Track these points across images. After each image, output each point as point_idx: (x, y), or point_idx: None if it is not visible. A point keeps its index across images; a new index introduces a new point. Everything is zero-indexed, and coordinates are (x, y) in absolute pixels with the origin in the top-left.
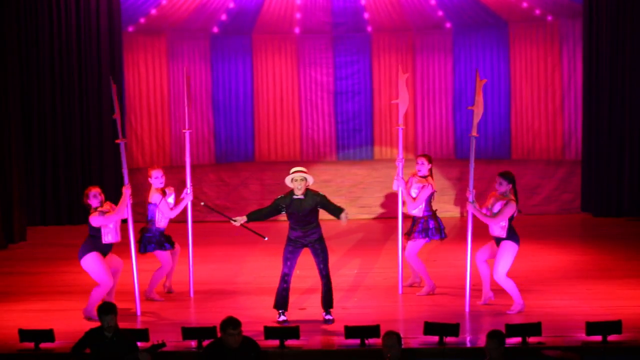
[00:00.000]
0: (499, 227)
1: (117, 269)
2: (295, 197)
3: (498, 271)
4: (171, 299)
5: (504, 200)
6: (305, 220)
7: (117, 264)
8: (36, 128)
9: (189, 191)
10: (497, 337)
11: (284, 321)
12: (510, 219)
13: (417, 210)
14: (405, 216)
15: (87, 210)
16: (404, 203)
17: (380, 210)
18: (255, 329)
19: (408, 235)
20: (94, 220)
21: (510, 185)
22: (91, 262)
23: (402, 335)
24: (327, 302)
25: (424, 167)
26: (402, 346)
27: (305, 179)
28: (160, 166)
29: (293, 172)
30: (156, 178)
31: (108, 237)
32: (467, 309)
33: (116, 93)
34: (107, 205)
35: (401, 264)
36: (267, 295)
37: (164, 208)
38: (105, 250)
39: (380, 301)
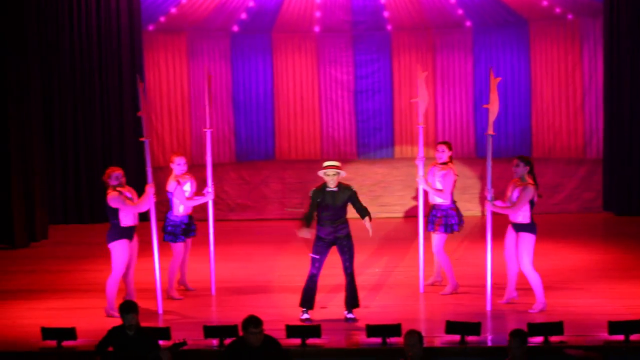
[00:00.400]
0: (521, 214)
1: (132, 262)
2: (328, 189)
3: (524, 264)
4: (193, 297)
5: (521, 186)
6: (338, 214)
7: (135, 255)
8: (57, 127)
9: (210, 190)
10: (519, 336)
11: (306, 319)
12: (532, 205)
13: (443, 200)
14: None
15: (104, 189)
16: (425, 203)
17: (400, 209)
18: (277, 327)
19: (432, 223)
20: (113, 200)
21: (528, 167)
22: (119, 249)
23: (423, 335)
24: (352, 301)
25: (444, 154)
26: (424, 345)
27: (339, 173)
28: (182, 154)
29: (326, 167)
30: (178, 165)
31: (127, 220)
32: (488, 308)
33: (143, 91)
34: (126, 189)
35: (422, 262)
36: (289, 294)
37: (179, 195)
38: (130, 234)
39: (401, 300)
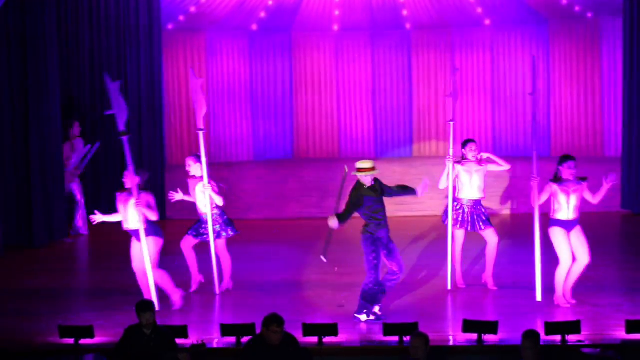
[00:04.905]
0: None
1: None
2: (367, 186)
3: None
4: (210, 295)
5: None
6: (384, 207)
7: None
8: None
9: (207, 184)
10: (532, 336)
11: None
12: None
13: (481, 193)
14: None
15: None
16: (455, 199)
17: (418, 207)
18: (293, 326)
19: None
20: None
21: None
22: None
23: (443, 333)
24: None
25: (477, 152)
26: (441, 344)
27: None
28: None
29: (360, 169)
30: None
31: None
32: (538, 299)
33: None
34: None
35: (451, 259)
36: (306, 292)
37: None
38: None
39: (421, 298)
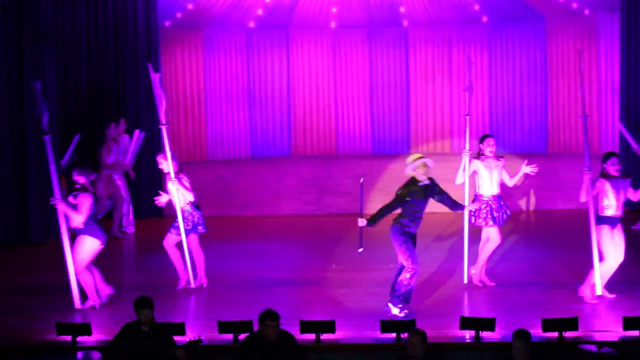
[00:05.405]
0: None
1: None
2: (421, 184)
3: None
4: (207, 293)
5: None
6: (423, 211)
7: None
8: (73, 123)
9: (173, 177)
10: (522, 336)
11: (408, 314)
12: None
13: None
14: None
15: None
16: (477, 197)
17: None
18: (291, 323)
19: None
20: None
21: None
22: None
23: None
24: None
25: (495, 147)
26: (445, 341)
27: (426, 163)
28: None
29: (414, 161)
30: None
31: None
32: (595, 293)
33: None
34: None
35: (467, 255)
36: (304, 289)
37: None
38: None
39: (419, 295)
